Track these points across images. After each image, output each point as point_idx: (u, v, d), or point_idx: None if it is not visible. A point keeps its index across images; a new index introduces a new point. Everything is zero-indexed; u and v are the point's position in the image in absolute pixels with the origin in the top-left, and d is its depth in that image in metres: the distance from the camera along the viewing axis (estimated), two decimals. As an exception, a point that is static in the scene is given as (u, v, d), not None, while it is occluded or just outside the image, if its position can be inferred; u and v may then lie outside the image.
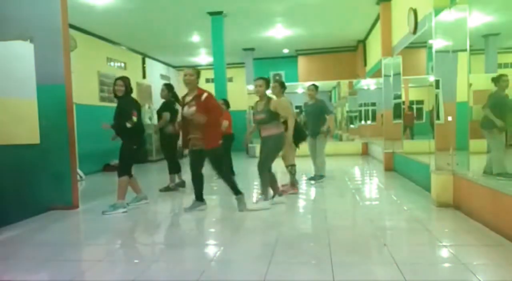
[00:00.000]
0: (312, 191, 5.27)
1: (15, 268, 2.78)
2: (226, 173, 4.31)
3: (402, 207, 4.23)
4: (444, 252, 2.80)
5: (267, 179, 4.37)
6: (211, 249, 3.09)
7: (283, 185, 5.03)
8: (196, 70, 4.16)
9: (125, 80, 4.37)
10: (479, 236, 3.09)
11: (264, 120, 4.30)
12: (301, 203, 4.69)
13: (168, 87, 5.66)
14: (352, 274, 2.43)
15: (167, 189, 5.58)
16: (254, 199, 4.47)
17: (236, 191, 4.16)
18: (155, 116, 11.33)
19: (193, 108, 3.93)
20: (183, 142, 4.25)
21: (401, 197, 4.67)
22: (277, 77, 5.06)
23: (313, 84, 5.90)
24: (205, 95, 3.98)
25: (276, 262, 2.64)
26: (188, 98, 4.07)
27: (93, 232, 3.80)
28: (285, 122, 4.58)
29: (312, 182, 5.76)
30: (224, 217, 3.90)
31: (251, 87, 11.50)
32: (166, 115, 5.46)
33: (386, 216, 3.98)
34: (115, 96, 4.37)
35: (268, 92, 4.60)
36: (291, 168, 4.96)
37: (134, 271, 2.64)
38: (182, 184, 5.72)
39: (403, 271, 2.40)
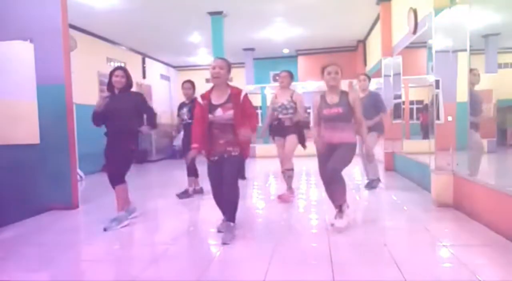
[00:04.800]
0: (312, 192, 5.26)
1: (15, 268, 2.78)
2: (236, 190, 3.33)
3: (402, 207, 4.23)
4: (444, 252, 2.80)
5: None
6: (211, 249, 3.08)
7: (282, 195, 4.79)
8: (227, 62, 3.33)
9: (127, 70, 3.87)
10: (479, 236, 3.08)
11: (343, 117, 3.35)
12: (301, 203, 4.68)
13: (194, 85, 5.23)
14: (352, 274, 2.43)
15: (184, 193, 5.16)
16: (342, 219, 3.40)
17: (233, 216, 3.30)
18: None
19: (231, 112, 3.23)
20: (207, 151, 3.35)
21: (401, 197, 4.67)
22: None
23: (365, 74, 5.28)
24: (243, 93, 3.30)
25: (276, 262, 2.64)
26: (218, 99, 3.29)
27: (93, 232, 3.80)
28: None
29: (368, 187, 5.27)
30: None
31: (251, 87, 11.51)
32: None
33: (386, 216, 3.98)
34: (111, 88, 3.83)
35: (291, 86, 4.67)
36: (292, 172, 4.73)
37: (134, 271, 2.64)
38: (200, 190, 5.29)
39: (403, 271, 2.40)
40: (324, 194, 5.06)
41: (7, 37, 4.34)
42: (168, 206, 4.72)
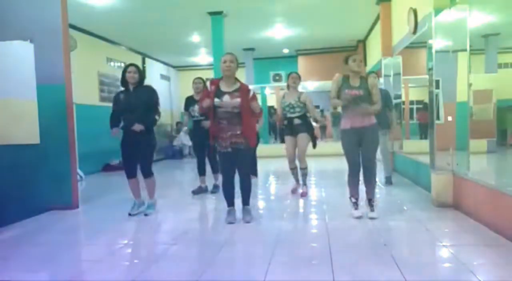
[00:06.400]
0: (312, 191, 5.26)
1: (15, 268, 2.78)
2: (250, 178, 3.87)
3: (402, 207, 4.23)
4: (444, 252, 2.80)
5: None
6: (211, 249, 3.08)
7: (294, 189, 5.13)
8: (236, 57, 3.69)
9: (138, 66, 4.17)
10: (479, 236, 3.09)
11: (363, 99, 3.60)
12: (301, 203, 4.69)
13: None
14: (352, 274, 2.43)
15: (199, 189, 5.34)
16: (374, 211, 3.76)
17: (248, 201, 3.83)
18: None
19: (238, 99, 3.52)
20: (211, 135, 3.69)
21: (401, 197, 4.67)
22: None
23: (374, 72, 5.52)
24: (252, 91, 3.66)
25: (276, 262, 2.64)
26: (226, 89, 3.60)
27: (93, 232, 3.80)
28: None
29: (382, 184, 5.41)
30: (224, 217, 3.89)
31: (251, 87, 11.54)
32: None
33: (386, 216, 3.97)
34: (125, 84, 4.08)
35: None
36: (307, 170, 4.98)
37: (134, 271, 2.64)
38: (206, 189, 5.41)
39: (403, 271, 2.40)
40: (324, 194, 5.11)
41: (7, 37, 4.34)
42: (168, 206, 4.71)
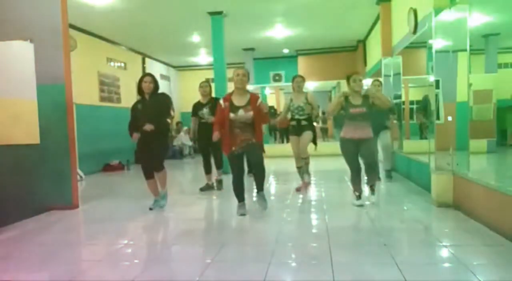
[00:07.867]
0: (312, 191, 5.26)
1: (15, 268, 2.78)
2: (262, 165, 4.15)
3: (402, 207, 4.23)
4: (444, 252, 2.80)
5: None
6: (211, 249, 3.08)
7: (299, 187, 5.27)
8: (248, 71, 4.06)
9: (154, 76, 4.37)
10: (479, 236, 3.08)
11: (366, 115, 4.03)
12: (301, 203, 4.69)
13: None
14: (352, 274, 2.43)
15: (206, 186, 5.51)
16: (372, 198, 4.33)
17: (262, 186, 4.11)
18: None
19: (251, 113, 3.86)
20: (225, 147, 3.99)
21: (401, 197, 4.67)
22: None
23: (379, 80, 5.83)
24: (259, 100, 3.95)
25: (276, 262, 2.64)
26: (239, 102, 3.92)
27: (93, 232, 3.80)
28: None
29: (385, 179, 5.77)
30: (224, 217, 3.90)
31: (251, 87, 11.53)
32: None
33: (386, 216, 3.98)
34: (142, 93, 4.28)
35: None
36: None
37: (134, 271, 2.64)
38: (212, 186, 5.61)
39: (403, 271, 2.40)
40: (324, 194, 5.11)
41: (7, 37, 4.35)
42: (168, 206, 4.71)
